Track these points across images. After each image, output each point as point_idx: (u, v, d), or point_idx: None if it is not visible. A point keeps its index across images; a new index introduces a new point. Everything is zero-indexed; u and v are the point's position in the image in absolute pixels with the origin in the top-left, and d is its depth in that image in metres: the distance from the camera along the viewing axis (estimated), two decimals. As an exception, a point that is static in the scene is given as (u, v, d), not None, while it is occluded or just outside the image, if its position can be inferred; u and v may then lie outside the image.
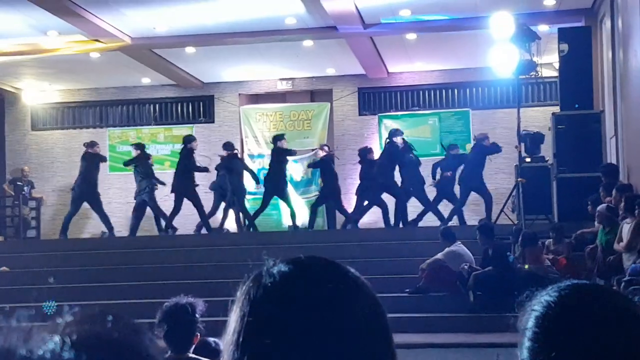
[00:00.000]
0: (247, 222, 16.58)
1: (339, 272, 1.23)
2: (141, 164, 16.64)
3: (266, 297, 1.18)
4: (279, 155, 16.44)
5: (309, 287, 1.18)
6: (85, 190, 16.45)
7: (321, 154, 17.06)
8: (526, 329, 1.36)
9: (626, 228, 10.40)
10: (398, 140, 15.98)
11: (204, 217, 16.44)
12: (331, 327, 1.15)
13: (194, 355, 4.51)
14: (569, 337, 1.31)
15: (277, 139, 16.81)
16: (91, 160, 16.65)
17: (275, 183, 16.19)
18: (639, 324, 1.33)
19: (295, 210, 16.39)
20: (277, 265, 1.23)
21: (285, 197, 16.38)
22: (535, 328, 1.35)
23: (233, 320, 1.20)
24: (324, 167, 16.75)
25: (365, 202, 15.95)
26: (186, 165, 16.28)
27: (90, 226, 20.60)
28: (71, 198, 16.88)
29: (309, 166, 18.42)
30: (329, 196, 16.64)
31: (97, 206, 16.72)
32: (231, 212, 16.75)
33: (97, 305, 12.51)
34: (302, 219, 17.06)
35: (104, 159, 17.27)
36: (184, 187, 16.14)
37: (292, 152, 16.91)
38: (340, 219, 17.09)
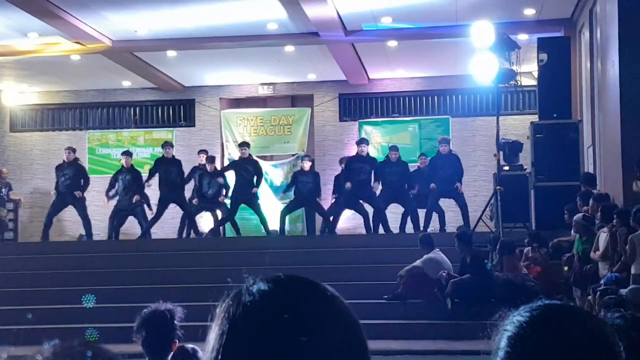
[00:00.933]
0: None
1: (318, 291, 1.25)
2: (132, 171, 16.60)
3: (245, 316, 1.20)
4: (248, 164, 16.25)
5: (288, 306, 1.20)
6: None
7: (306, 166, 16.66)
8: (499, 348, 1.39)
9: (602, 237, 10.49)
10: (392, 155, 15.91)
11: (194, 223, 16.53)
12: (309, 346, 1.17)
13: (172, 362, 4.51)
14: (540, 357, 1.34)
15: (242, 146, 16.71)
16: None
17: (244, 191, 16.01)
18: (609, 344, 1.36)
19: (265, 216, 16.23)
20: (256, 283, 1.25)
21: (255, 206, 16.20)
22: (508, 348, 1.37)
23: (212, 338, 1.22)
24: (306, 178, 16.43)
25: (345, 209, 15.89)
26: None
27: (68, 229, 20.49)
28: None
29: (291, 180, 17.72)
30: (303, 205, 16.55)
31: (81, 209, 16.67)
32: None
33: (74, 309, 12.41)
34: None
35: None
36: (175, 194, 16.15)
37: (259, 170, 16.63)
38: (319, 225, 17.09)
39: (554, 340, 1.34)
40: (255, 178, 16.02)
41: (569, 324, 1.36)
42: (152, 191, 16.50)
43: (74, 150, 17.07)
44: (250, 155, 16.60)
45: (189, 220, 16.48)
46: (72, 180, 16.52)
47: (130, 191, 16.23)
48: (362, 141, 16.18)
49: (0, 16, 15.33)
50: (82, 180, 16.68)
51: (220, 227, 16.87)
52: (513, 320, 1.39)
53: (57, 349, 1.05)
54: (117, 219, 16.43)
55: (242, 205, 16.13)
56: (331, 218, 15.87)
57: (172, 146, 16.92)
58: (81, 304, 12.72)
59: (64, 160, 16.83)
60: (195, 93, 21.24)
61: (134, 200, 16.13)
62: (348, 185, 15.27)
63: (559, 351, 1.33)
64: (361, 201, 15.52)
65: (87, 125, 21.60)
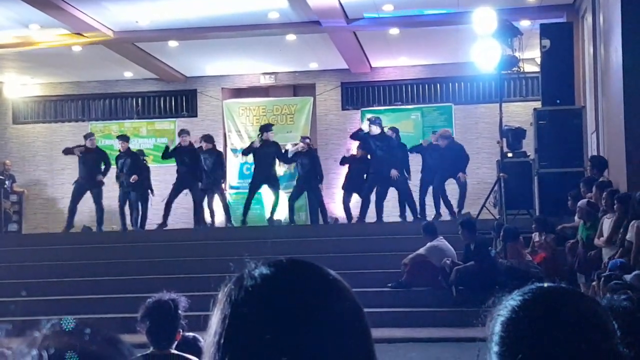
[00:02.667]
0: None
1: (320, 274, 1.25)
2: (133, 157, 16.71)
3: (247, 300, 1.20)
4: (269, 147, 16.31)
5: (290, 289, 1.20)
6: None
7: (301, 146, 16.73)
8: (493, 333, 1.39)
9: (607, 223, 10.48)
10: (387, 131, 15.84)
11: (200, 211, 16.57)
12: (311, 329, 1.17)
13: (176, 352, 4.51)
14: (534, 340, 1.33)
15: (265, 129, 16.67)
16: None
17: (266, 174, 16.15)
18: (603, 325, 1.35)
19: (279, 202, 16.32)
20: (258, 267, 1.24)
21: (276, 187, 16.33)
22: (502, 332, 1.37)
23: (214, 322, 1.21)
24: (304, 159, 16.47)
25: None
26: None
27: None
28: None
29: (289, 160, 17.74)
30: (304, 188, 16.52)
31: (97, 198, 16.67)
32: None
33: (78, 299, 12.46)
34: (284, 214, 17.00)
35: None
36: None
37: (282, 154, 16.79)
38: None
39: (546, 322, 1.34)
40: (276, 159, 16.34)
41: (560, 305, 1.36)
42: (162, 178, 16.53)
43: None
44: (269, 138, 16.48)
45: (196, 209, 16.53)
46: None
47: (131, 174, 16.37)
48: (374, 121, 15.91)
49: (2, 8, 15.31)
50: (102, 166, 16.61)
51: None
52: (506, 305, 1.39)
53: (56, 326, 1.05)
54: (123, 202, 16.54)
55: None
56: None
57: (188, 133, 16.82)
58: (86, 295, 12.76)
59: (119, 150, 16.83)
60: (197, 83, 21.22)
61: (131, 180, 16.18)
62: (394, 172, 15.13)
63: (552, 333, 1.33)
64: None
65: (89, 116, 21.60)
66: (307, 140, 16.92)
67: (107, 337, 1.04)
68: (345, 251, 13.60)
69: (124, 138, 17.06)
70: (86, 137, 17.06)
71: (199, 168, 16.25)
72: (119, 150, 16.93)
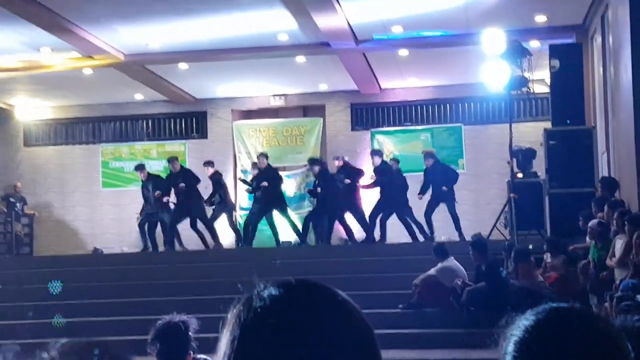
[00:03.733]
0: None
1: (329, 295, 1.24)
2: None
3: (256, 321, 1.19)
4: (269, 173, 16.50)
5: (299, 311, 1.19)
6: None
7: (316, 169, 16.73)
8: (506, 353, 1.37)
9: (619, 244, 10.42)
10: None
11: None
12: (320, 351, 1.16)
13: (186, 374, 4.50)
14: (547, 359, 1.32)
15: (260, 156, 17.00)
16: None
17: (272, 198, 16.23)
18: (617, 346, 1.34)
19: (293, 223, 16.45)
20: (267, 288, 1.24)
21: (284, 211, 16.42)
22: (515, 353, 1.36)
23: (223, 343, 1.21)
24: (324, 183, 16.46)
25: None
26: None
27: (82, 242, 20.57)
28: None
29: (310, 190, 17.79)
30: (325, 212, 16.48)
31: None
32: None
33: (79, 335, 12.46)
34: (293, 235, 16.97)
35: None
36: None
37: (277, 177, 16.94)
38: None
39: (560, 342, 1.33)
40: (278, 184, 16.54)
41: (574, 325, 1.35)
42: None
43: (176, 159, 17.22)
44: (269, 164, 16.70)
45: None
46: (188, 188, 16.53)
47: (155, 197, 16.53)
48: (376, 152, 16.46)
49: (13, 32, 15.42)
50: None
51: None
52: (519, 325, 1.38)
53: (65, 347, 1.05)
54: (147, 225, 16.55)
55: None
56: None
57: (212, 164, 17.20)
58: (96, 317, 12.75)
59: (170, 171, 16.92)
60: (207, 105, 21.29)
61: (155, 194, 16.27)
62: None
63: (565, 353, 1.32)
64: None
65: (100, 138, 21.68)
66: (316, 167, 16.67)
67: (116, 357, 1.04)
68: (355, 272, 13.56)
69: (139, 168, 17.18)
70: (138, 168, 17.23)
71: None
72: (171, 171, 16.97)
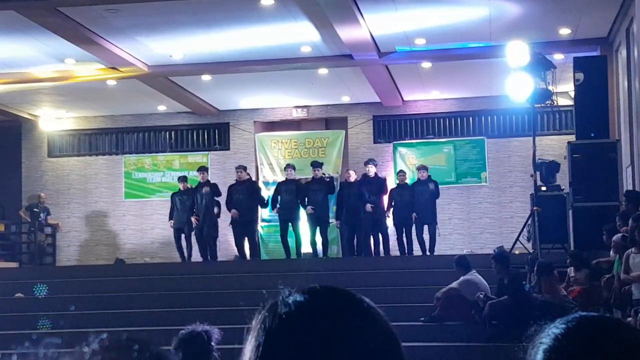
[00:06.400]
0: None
1: (354, 302, 1.23)
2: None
3: (281, 327, 1.19)
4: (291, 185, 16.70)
5: (324, 317, 1.18)
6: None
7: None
8: None
9: (633, 258, 10.28)
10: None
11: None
12: (345, 358, 1.15)
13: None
14: None
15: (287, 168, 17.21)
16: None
17: (289, 212, 16.39)
18: None
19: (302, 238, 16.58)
20: (292, 295, 1.23)
21: (296, 226, 16.55)
22: None
23: (248, 350, 1.20)
24: (347, 189, 16.79)
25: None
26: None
27: (105, 253, 20.66)
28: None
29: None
30: (352, 221, 16.54)
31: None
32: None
33: (116, 332, 12.56)
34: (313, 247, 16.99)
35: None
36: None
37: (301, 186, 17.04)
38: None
39: (591, 351, 1.31)
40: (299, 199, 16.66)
41: (605, 334, 1.33)
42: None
43: (206, 169, 17.47)
44: (295, 176, 17.07)
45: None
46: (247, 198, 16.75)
47: (186, 211, 16.71)
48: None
49: (38, 43, 15.56)
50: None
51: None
52: (549, 333, 1.36)
53: (105, 342, 1.05)
54: (177, 240, 16.72)
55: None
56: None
57: (245, 169, 17.28)
58: (119, 327, 12.76)
59: (236, 180, 17.03)
60: (229, 117, 21.36)
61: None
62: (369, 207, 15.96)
63: None
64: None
65: (123, 149, 21.79)
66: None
67: (156, 353, 1.03)
68: (377, 285, 13.52)
69: (183, 180, 17.26)
70: (180, 179, 17.47)
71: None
72: (199, 182, 17.08)
